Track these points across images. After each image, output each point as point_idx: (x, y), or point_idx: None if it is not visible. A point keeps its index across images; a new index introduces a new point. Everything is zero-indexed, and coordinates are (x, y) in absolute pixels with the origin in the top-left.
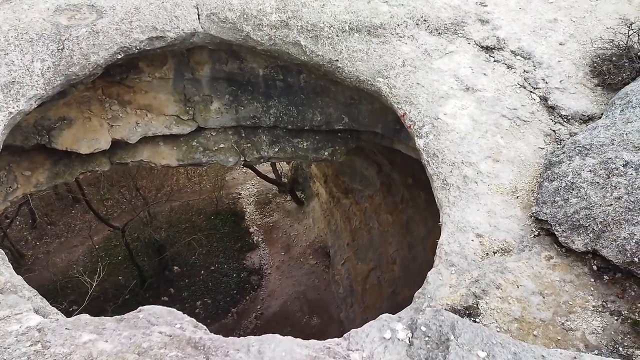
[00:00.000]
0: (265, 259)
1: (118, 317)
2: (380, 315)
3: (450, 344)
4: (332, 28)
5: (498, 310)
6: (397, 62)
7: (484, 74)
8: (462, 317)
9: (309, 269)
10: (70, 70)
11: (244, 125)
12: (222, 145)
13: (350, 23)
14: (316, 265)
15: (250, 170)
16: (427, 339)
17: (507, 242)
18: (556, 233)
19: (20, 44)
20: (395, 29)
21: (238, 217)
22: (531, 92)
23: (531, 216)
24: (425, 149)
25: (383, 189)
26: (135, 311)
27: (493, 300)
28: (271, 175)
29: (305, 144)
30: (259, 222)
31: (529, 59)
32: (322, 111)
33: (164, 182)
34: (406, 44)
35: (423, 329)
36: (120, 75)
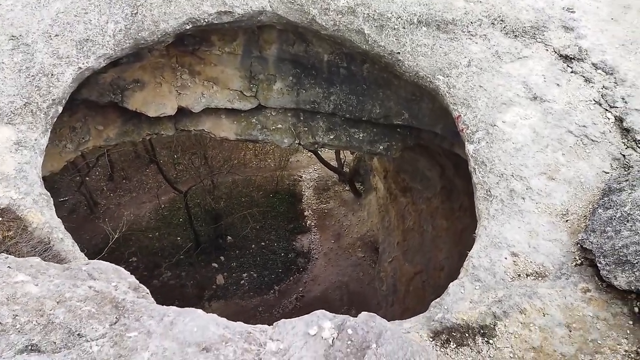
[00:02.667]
0: (315, 243)
1: (66, 265)
2: (316, 310)
3: (368, 352)
4: (399, 19)
5: (516, 336)
6: (462, 61)
7: (557, 84)
8: (475, 335)
9: (356, 261)
10: (139, 34)
11: (303, 109)
12: (279, 126)
13: (420, 16)
14: (363, 258)
15: (314, 155)
16: (349, 342)
17: (544, 266)
18: (599, 265)
19: (99, 5)
20: (467, 27)
21: (295, 198)
22: (606, 110)
23: (577, 243)
24: (474, 155)
25: (443, 192)
26: (84, 262)
27: (513, 324)
28: (334, 163)
29: (361, 135)
30: (314, 207)
31: (611, 74)
32: (382, 104)
33: (231, 155)
34: (476, 43)
35: (349, 331)
36: (193, 46)
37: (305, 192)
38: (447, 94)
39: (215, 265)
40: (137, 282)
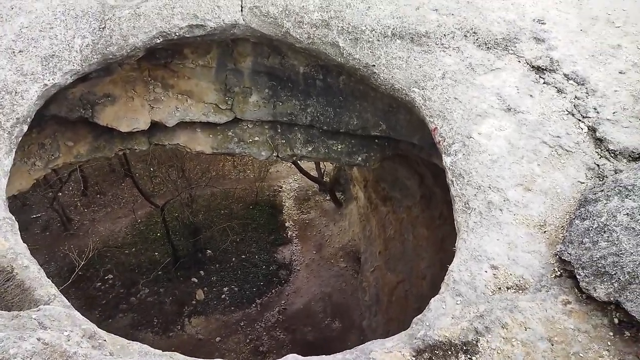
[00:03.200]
0: (296, 255)
1: (15, 312)
2: (288, 355)
3: None
4: (373, 32)
5: (499, 352)
6: (436, 73)
7: (530, 95)
8: (458, 353)
9: (338, 272)
10: (107, 49)
11: (280, 121)
12: (256, 139)
13: (393, 28)
14: (346, 268)
15: (293, 166)
16: None
17: (524, 278)
18: (578, 277)
19: (65, 19)
20: (440, 39)
21: (276, 210)
22: (579, 120)
23: (555, 255)
24: (451, 167)
25: (422, 201)
26: (35, 309)
27: (495, 340)
28: (314, 173)
29: (339, 147)
30: (295, 218)
31: (583, 84)
32: (359, 115)
33: (209, 167)
34: (450, 55)
35: None
36: (166, 59)
37: (286, 203)
38: (422, 106)
39: (195, 280)
40: (93, 328)
